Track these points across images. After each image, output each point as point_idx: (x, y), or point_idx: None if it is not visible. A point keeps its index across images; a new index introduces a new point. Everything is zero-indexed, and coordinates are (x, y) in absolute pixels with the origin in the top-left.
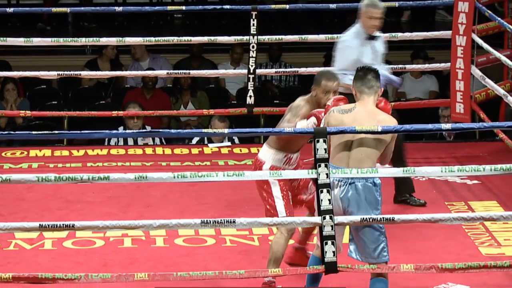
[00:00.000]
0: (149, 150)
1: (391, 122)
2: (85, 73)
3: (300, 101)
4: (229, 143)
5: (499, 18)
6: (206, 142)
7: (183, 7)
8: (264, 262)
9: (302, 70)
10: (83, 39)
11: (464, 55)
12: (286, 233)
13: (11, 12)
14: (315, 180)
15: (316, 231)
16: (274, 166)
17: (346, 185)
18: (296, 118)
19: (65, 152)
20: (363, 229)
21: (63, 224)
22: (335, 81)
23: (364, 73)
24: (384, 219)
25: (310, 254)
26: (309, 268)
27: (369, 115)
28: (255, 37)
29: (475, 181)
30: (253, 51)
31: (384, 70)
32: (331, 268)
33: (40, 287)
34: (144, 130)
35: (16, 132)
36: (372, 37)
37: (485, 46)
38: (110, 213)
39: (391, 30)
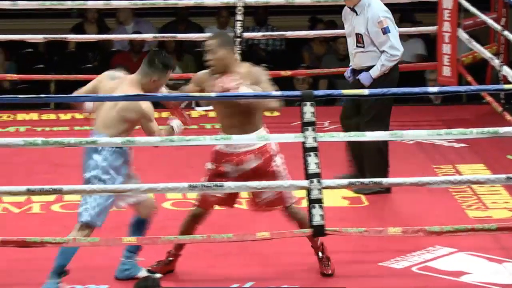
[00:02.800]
0: None
1: (132, 104)
2: (72, 37)
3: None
4: None
5: None
6: (193, 105)
7: None
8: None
9: (289, 34)
10: (69, 2)
11: (451, 18)
12: None
13: None
14: (302, 144)
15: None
16: None
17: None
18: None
19: (52, 116)
20: None
21: (51, 188)
22: None
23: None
24: (372, 182)
25: None
26: (297, 232)
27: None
28: (242, 0)
29: (462, 144)
30: (239, 15)
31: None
32: (319, 231)
33: (28, 250)
34: (128, 94)
35: (3, 96)
36: (353, 10)
37: (472, 9)
38: None
39: None
